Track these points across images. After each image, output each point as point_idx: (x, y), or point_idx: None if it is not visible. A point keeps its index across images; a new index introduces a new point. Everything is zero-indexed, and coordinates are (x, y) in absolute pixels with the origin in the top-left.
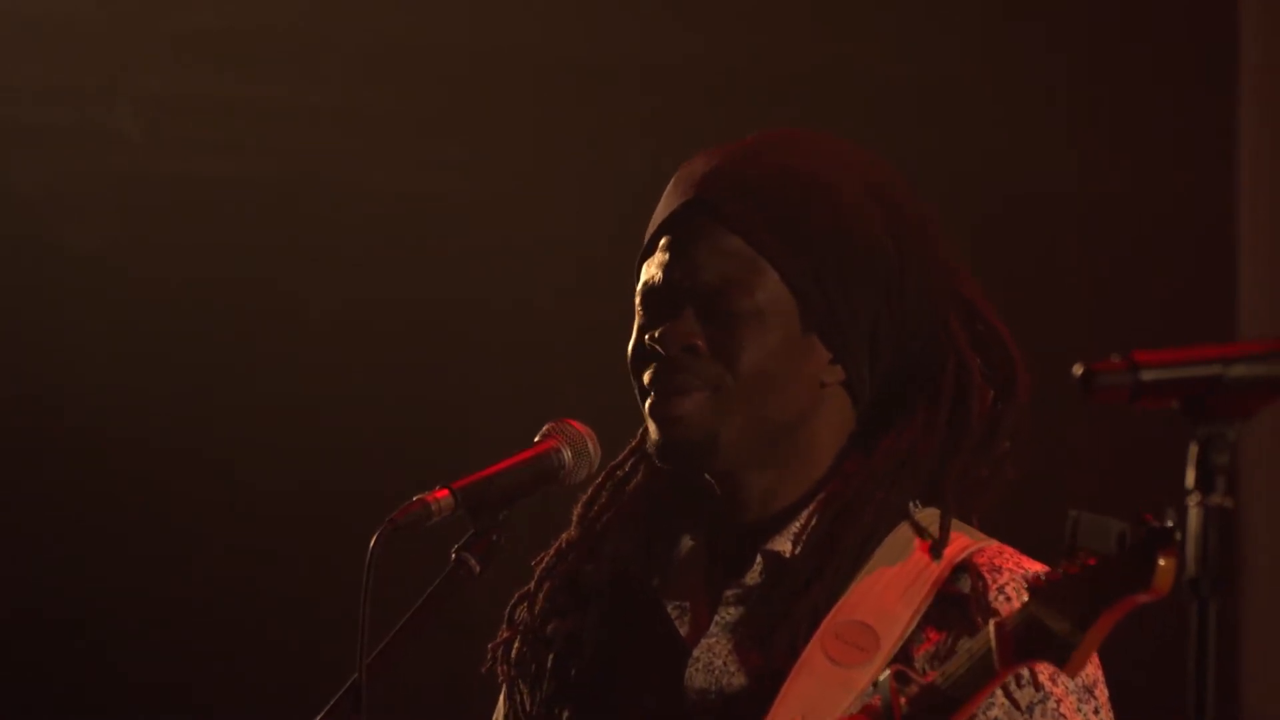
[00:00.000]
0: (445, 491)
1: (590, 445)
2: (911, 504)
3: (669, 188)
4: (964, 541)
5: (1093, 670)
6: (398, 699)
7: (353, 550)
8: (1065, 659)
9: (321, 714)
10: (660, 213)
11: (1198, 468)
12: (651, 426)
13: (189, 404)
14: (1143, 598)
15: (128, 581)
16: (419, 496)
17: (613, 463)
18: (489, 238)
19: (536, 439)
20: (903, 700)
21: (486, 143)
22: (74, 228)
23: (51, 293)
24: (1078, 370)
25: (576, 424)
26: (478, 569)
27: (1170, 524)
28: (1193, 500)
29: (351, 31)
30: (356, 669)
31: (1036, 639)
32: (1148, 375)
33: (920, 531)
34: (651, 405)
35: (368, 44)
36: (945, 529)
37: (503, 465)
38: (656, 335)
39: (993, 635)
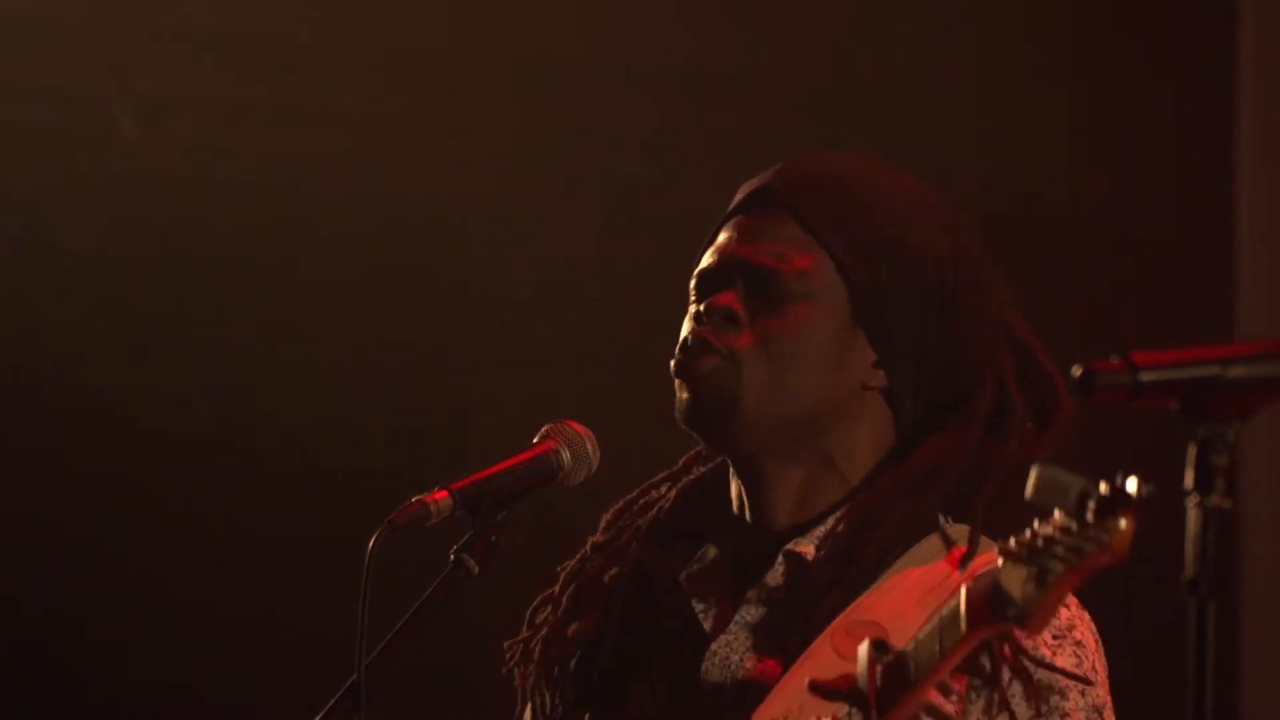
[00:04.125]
0: (444, 492)
1: (589, 447)
2: (943, 519)
3: (739, 191)
4: (992, 555)
5: (1103, 693)
6: (397, 699)
7: (352, 551)
8: (1025, 619)
9: (321, 714)
10: (730, 208)
11: (1197, 468)
12: (679, 389)
13: (186, 402)
14: (1103, 559)
15: (119, 581)
16: (418, 497)
17: (649, 481)
18: (488, 237)
19: (535, 440)
20: (879, 668)
21: (485, 142)
22: (69, 227)
23: (46, 291)
24: (1077, 371)
25: (575, 425)
26: (476, 570)
27: (1132, 485)
28: (1191, 501)
29: (347, 32)
30: (355, 669)
31: (1001, 600)
32: (1146, 376)
33: (949, 544)
34: (677, 364)
35: (363, 44)
36: (974, 542)
37: (501, 466)
38: (704, 307)
39: (962, 597)
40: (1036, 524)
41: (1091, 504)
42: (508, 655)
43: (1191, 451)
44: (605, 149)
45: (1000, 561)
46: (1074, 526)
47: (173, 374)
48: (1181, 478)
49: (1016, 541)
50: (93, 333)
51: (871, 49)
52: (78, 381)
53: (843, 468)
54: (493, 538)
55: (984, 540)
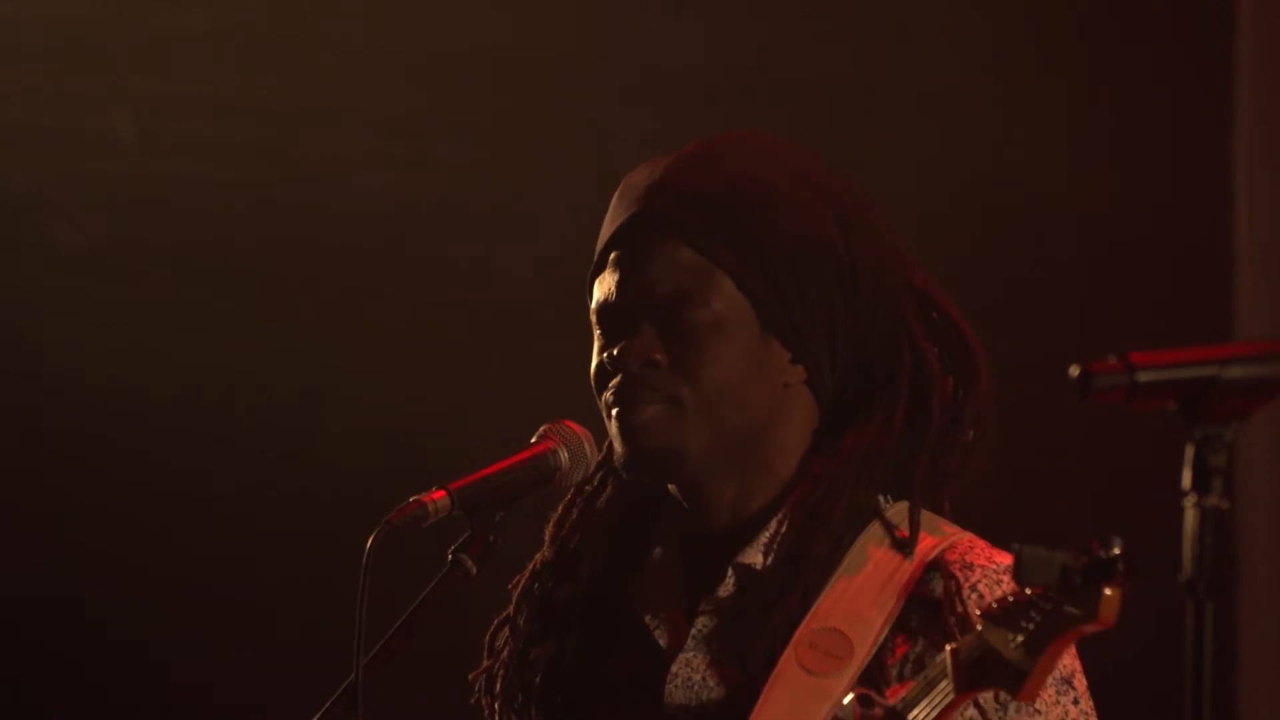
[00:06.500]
0: (442, 492)
1: (587, 447)
2: (881, 499)
3: (614, 201)
4: (934, 538)
5: (1070, 661)
6: (395, 699)
7: (351, 551)
8: (1018, 687)
9: (319, 714)
10: (607, 228)
11: (1194, 469)
12: (616, 441)
13: (186, 402)
14: (1089, 628)
15: (118, 581)
16: (416, 497)
17: (580, 479)
18: (488, 237)
19: (533, 440)
20: None
21: (482, 143)
22: (69, 227)
23: (46, 291)
24: (1074, 371)
25: (573, 425)
26: (474, 570)
27: (1115, 553)
28: (1189, 501)
29: (345, 33)
30: (354, 669)
31: (990, 666)
32: (1144, 376)
33: (891, 529)
34: (615, 419)
35: (361, 46)
36: (914, 526)
37: (499, 466)
38: (615, 353)
39: (949, 662)
40: (1017, 587)
41: (1077, 577)
42: (474, 687)
43: (1189, 452)
44: (605, 149)
45: (981, 625)
46: (1057, 594)
47: (172, 374)
48: (1180, 478)
49: (999, 603)
50: (93, 333)
51: (873, 50)
52: (78, 381)
53: (776, 464)
54: (490, 538)
55: (925, 516)
